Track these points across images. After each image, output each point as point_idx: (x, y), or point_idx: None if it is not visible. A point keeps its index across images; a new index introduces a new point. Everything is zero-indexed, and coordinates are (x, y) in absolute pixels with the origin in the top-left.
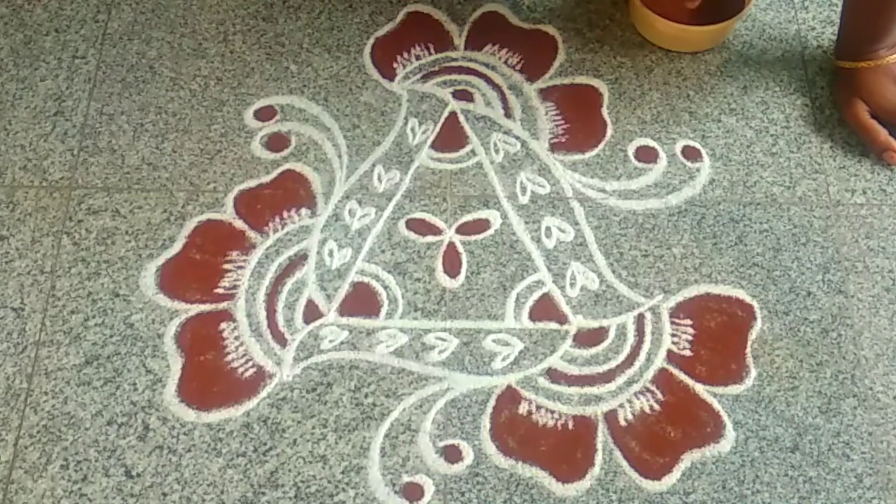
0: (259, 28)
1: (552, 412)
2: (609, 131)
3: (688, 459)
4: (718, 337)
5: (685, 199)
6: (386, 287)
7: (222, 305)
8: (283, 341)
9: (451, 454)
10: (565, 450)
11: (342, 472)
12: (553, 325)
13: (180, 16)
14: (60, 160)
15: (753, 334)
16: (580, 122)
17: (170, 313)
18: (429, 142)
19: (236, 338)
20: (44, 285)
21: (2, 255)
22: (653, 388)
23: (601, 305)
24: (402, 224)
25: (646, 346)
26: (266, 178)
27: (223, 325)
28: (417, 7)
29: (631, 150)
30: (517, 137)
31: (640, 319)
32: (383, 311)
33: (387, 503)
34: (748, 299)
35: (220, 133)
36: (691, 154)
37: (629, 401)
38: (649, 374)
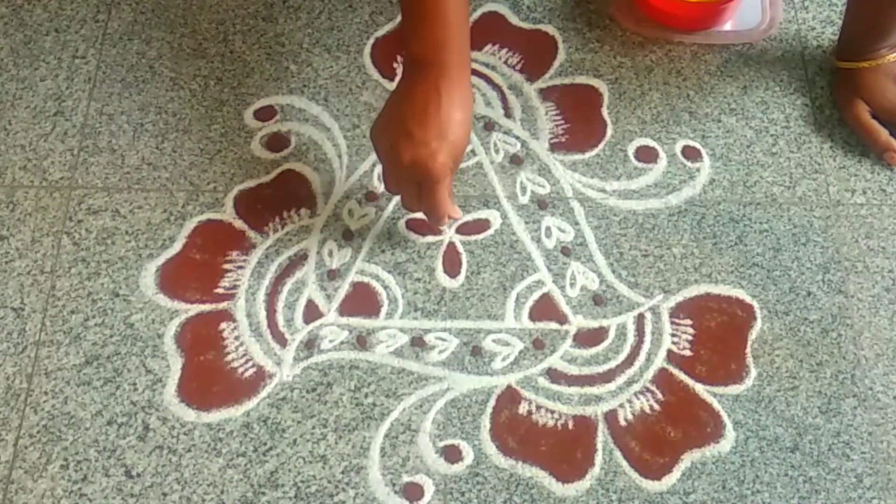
0: (259, 28)
1: (552, 412)
2: (609, 131)
3: (688, 459)
4: (718, 337)
5: (685, 199)
6: (386, 287)
7: (222, 305)
8: (283, 341)
9: (451, 454)
10: (565, 450)
11: (342, 472)
12: (553, 325)
13: (180, 16)
14: (60, 160)
15: (753, 334)
16: (580, 122)
17: (170, 313)
18: None
19: (236, 338)
20: (44, 285)
21: (2, 255)
22: (653, 388)
23: (601, 305)
24: (401, 224)
25: (646, 346)
26: (266, 178)
27: (223, 325)
28: None
29: (631, 150)
30: (517, 137)
31: (640, 319)
32: (383, 311)
33: (387, 503)
34: (748, 299)
35: (220, 133)
36: (691, 154)
37: (629, 401)
38: (649, 373)
